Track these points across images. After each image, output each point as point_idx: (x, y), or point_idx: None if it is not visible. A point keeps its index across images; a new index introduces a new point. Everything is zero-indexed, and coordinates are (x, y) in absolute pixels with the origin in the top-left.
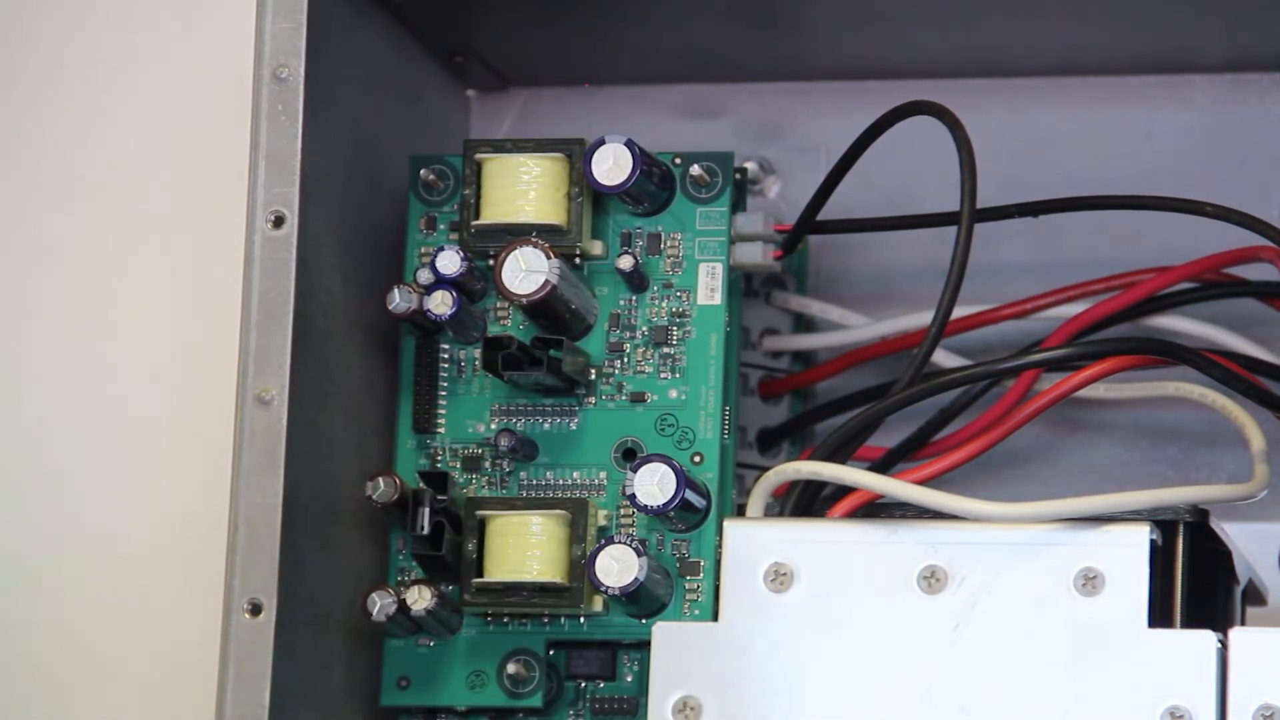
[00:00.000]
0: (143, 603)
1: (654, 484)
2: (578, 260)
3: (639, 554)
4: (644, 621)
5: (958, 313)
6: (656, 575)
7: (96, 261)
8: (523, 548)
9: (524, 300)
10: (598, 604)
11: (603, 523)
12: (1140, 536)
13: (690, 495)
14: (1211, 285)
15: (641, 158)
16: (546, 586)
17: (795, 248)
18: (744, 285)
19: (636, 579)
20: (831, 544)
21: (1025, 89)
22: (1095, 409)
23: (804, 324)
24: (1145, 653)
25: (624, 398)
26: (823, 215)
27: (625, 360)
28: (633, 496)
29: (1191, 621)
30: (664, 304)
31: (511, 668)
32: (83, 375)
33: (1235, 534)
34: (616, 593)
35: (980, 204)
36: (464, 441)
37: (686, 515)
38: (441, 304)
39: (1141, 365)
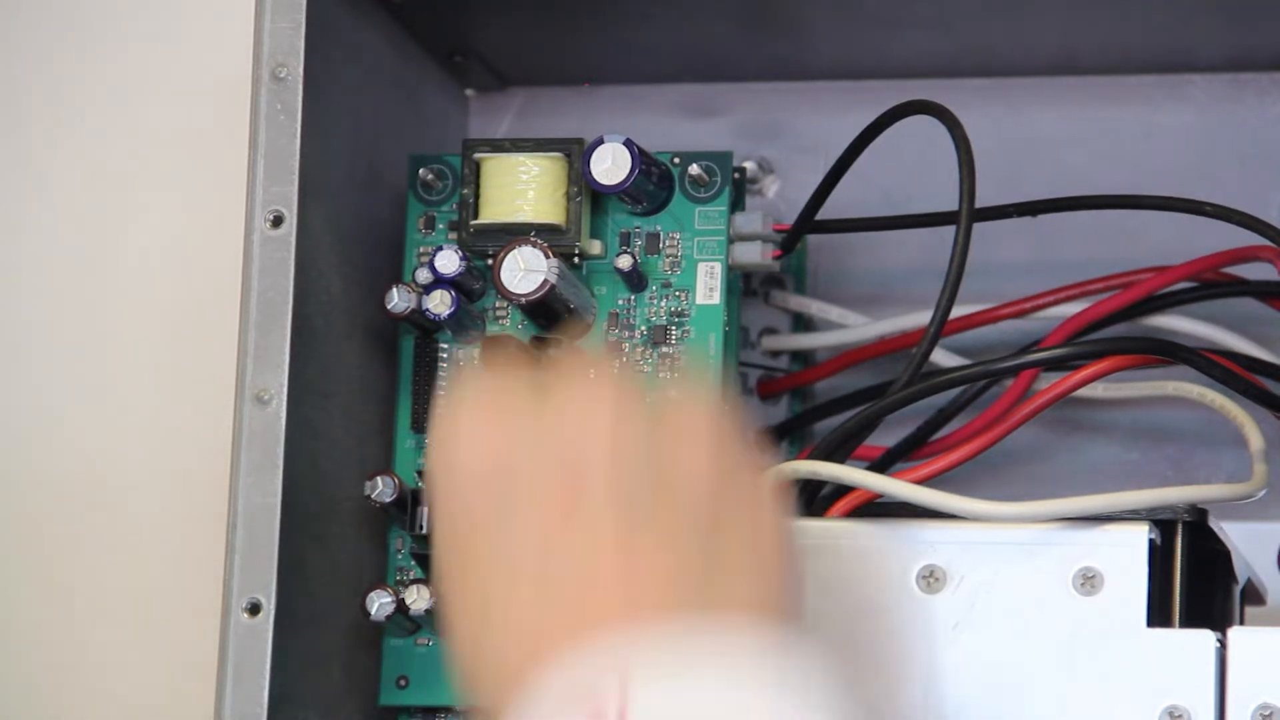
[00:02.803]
0: (142, 602)
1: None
2: (576, 260)
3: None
4: None
5: (956, 312)
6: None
7: (94, 261)
8: None
9: (522, 300)
10: None
11: None
12: (1139, 536)
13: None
14: (1211, 285)
15: (640, 157)
16: None
17: (794, 247)
18: (743, 285)
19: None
20: (830, 543)
21: (1025, 89)
22: (1094, 409)
23: (803, 323)
24: (1144, 652)
25: None
26: (821, 215)
27: (624, 360)
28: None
29: (1190, 621)
30: (663, 303)
31: None
32: (81, 375)
33: (1234, 533)
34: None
35: (979, 204)
36: None
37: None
38: (440, 303)
39: (1140, 365)
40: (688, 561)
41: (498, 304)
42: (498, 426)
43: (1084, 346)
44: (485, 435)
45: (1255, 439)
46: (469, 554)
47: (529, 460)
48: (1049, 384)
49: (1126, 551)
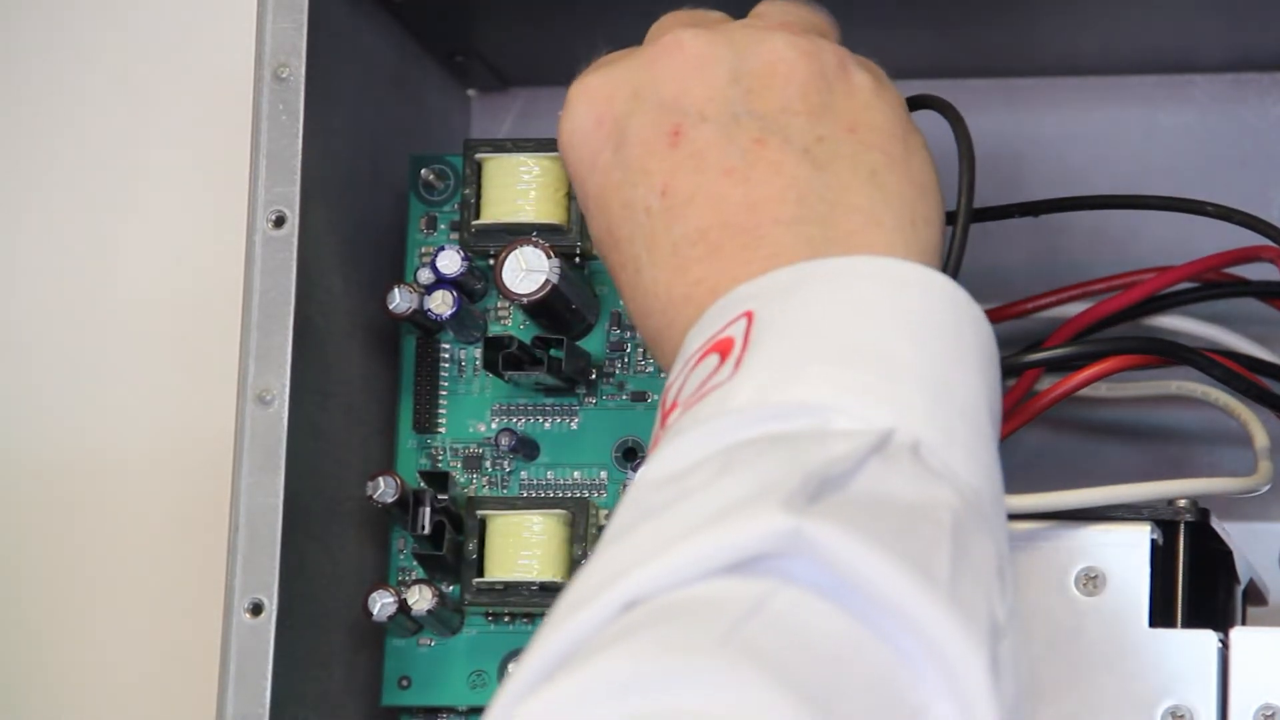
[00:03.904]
0: (144, 603)
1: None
2: (578, 259)
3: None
4: None
5: None
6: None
7: (96, 261)
8: (523, 547)
9: (524, 300)
10: None
11: (603, 522)
12: (1141, 536)
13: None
14: (1212, 285)
15: None
16: (547, 586)
17: None
18: None
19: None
20: None
21: (1025, 89)
22: (1096, 408)
23: None
24: (1146, 652)
25: (625, 397)
26: None
27: (626, 360)
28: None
29: (1192, 621)
30: None
31: (513, 667)
32: (82, 375)
33: (1236, 533)
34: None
35: (980, 204)
36: (465, 441)
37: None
38: (442, 304)
39: (1143, 365)
40: (795, 170)
41: (499, 304)
42: (597, 84)
43: (1087, 346)
44: (590, 96)
45: (1260, 436)
46: (603, 206)
47: (628, 105)
48: (1051, 384)
49: (1129, 551)
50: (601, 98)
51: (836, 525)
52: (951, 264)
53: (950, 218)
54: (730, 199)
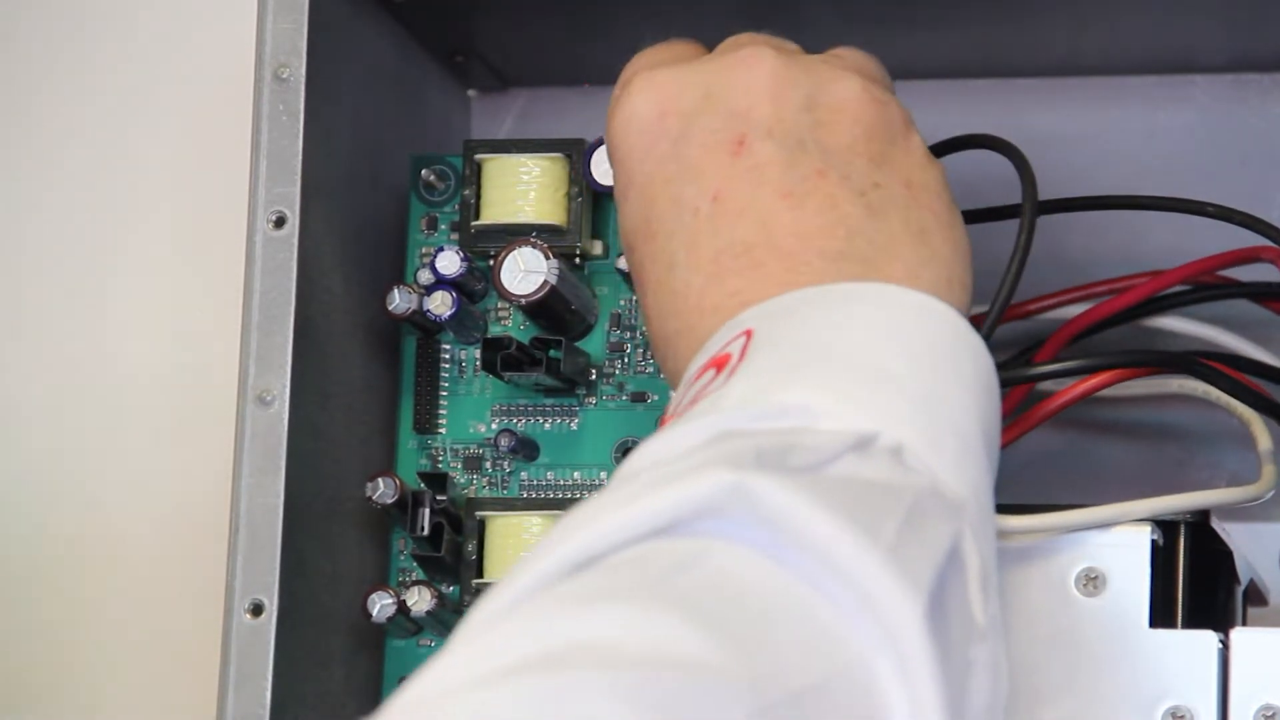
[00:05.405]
0: (143, 603)
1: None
2: (578, 260)
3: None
4: None
5: None
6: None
7: (96, 262)
8: (523, 548)
9: (522, 301)
10: None
11: None
12: (1141, 537)
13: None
14: (1212, 286)
15: None
16: None
17: None
18: None
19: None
20: None
21: (1025, 89)
22: (1096, 407)
23: None
24: (1146, 653)
25: (625, 397)
26: None
27: (626, 360)
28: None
29: (1193, 621)
30: None
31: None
32: (83, 375)
33: (1236, 534)
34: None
35: (981, 204)
36: (465, 442)
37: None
38: (441, 304)
39: (1144, 376)
40: (849, 208)
41: (500, 305)
42: (668, 79)
43: (1087, 360)
44: (657, 86)
45: (1263, 439)
46: (648, 196)
47: (697, 105)
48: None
49: (1129, 552)
50: (670, 92)
51: (778, 481)
52: (1001, 298)
53: (969, 219)
54: (781, 221)
